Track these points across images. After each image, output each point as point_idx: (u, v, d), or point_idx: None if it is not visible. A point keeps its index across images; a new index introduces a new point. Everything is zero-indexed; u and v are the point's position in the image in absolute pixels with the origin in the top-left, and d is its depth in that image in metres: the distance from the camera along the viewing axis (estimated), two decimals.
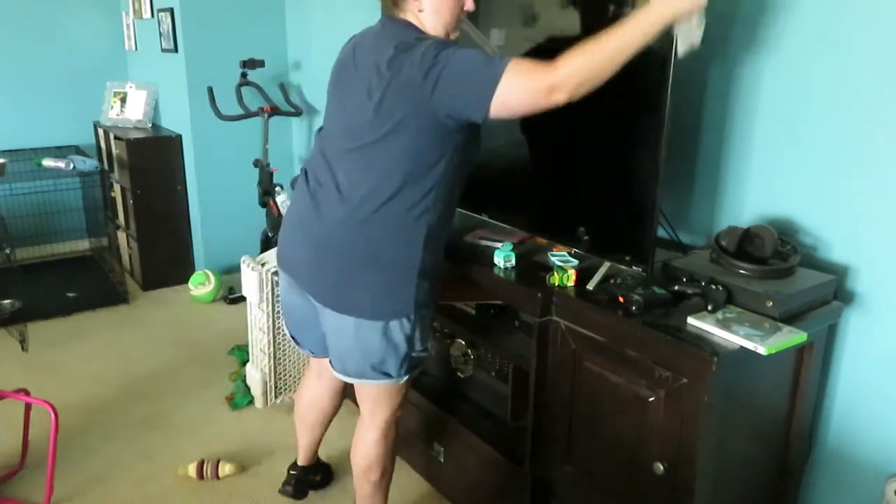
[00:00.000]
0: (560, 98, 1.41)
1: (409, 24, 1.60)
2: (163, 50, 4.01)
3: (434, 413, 2.23)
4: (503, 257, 1.87)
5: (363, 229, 1.61)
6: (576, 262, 1.83)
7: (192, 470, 2.35)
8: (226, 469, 2.35)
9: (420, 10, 1.60)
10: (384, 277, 1.64)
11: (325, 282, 1.69)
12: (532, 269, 1.87)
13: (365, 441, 1.87)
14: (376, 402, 1.82)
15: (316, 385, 2.11)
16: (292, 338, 2.02)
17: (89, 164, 3.81)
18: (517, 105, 1.45)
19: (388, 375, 1.74)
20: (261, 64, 3.64)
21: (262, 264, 2.71)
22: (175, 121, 4.12)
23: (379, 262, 1.63)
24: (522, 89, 1.42)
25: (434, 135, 1.54)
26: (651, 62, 1.59)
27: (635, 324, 1.54)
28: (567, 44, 1.43)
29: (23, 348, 3.32)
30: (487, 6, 2.06)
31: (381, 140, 1.55)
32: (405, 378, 1.77)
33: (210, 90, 3.57)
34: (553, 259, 1.85)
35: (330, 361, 1.83)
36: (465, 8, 1.64)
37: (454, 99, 1.46)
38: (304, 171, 1.77)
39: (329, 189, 1.66)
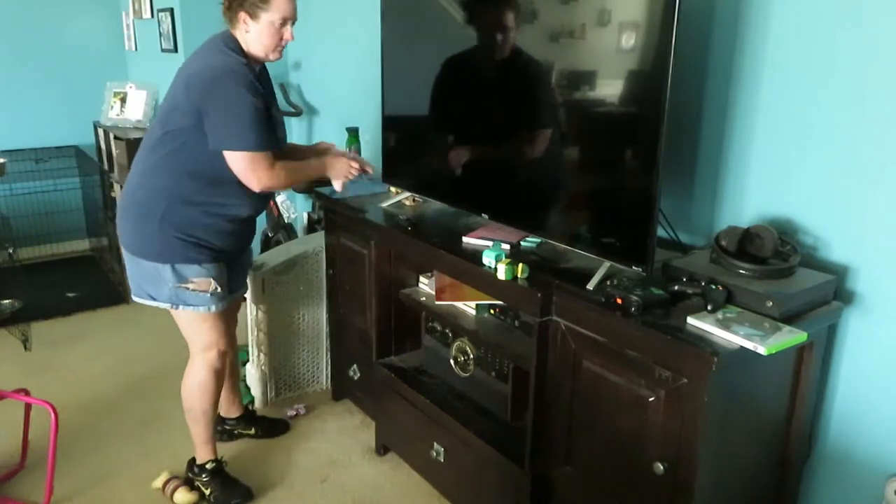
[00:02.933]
0: (257, 190, 2.07)
1: (229, 43, 2.05)
2: (163, 50, 4.01)
3: (434, 413, 2.23)
4: (494, 257, 1.87)
5: None
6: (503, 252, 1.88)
7: (160, 482, 2.33)
8: (182, 497, 2.28)
9: (247, 31, 2.04)
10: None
11: None
12: (534, 268, 1.87)
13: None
14: (186, 333, 2.25)
15: None
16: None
17: None
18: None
19: (166, 301, 2.14)
20: None
21: (262, 264, 2.71)
22: None
23: None
24: (246, 171, 2.02)
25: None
26: (651, 62, 1.59)
27: (635, 324, 1.54)
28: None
29: (25, 348, 3.32)
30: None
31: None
32: (185, 309, 2.14)
33: None
34: (489, 253, 1.88)
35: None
36: (286, 38, 2.07)
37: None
38: None
39: None
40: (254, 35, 2.03)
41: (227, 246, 2.17)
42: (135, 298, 2.18)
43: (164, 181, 2.06)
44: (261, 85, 2.07)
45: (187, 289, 2.10)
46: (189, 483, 2.32)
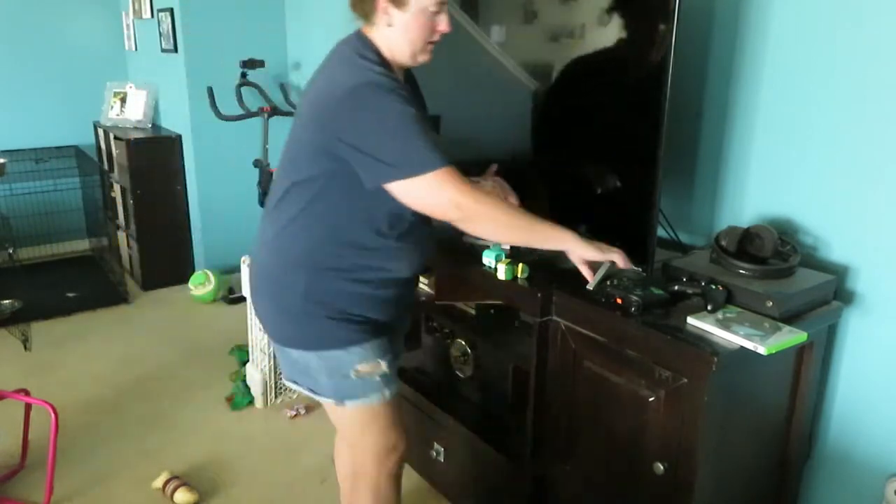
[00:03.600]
0: (455, 220, 1.47)
1: (366, 47, 1.51)
2: (163, 50, 4.01)
3: (434, 413, 2.23)
4: (494, 257, 1.87)
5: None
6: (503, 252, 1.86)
7: (160, 482, 2.33)
8: (183, 497, 2.27)
9: (389, 26, 1.49)
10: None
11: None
12: (534, 268, 1.87)
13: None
14: (346, 434, 1.75)
15: (340, 442, 1.93)
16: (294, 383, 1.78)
17: None
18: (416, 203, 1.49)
19: (324, 395, 1.64)
20: (261, 64, 3.64)
21: None
22: (175, 121, 4.12)
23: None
24: (430, 195, 1.45)
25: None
26: (650, 61, 1.59)
27: (635, 324, 1.54)
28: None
29: (25, 348, 3.32)
30: (487, 2, 2.06)
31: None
32: (356, 402, 1.63)
33: (210, 90, 3.57)
34: (489, 253, 1.87)
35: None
36: (440, 29, 1.51)
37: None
38: None
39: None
40: (399, 30, 1.49)
41: (389, 316, 1.64)
42: (288, 384, 1.72)
43: (301, 247, 1.56)
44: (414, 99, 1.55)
45: (350, 377, 1.59)
46: None
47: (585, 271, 1.59)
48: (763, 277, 1.60)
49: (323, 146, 1.47)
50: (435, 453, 2.24)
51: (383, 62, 1.50)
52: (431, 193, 1.43)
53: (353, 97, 1.43)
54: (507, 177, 2.08)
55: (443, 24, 1.51)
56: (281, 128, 3.94)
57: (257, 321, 1.85)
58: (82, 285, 4.09)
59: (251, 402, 2.88)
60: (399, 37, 1.50)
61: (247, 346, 2.94)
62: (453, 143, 2.26)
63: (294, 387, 1.69)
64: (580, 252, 1.55)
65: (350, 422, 1.67)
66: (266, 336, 1.79)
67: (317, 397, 1.65)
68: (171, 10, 3.77)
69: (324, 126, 1.46)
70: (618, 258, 1.56)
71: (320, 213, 1.53)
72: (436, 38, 1.53)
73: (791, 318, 1.51)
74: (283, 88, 3.89)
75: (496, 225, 1.49)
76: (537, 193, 1.99)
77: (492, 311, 2.17)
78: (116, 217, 4.39)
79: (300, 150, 1.54)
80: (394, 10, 1.47)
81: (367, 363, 1.58)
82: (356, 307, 1.57)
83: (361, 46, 1.51)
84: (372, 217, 1.52)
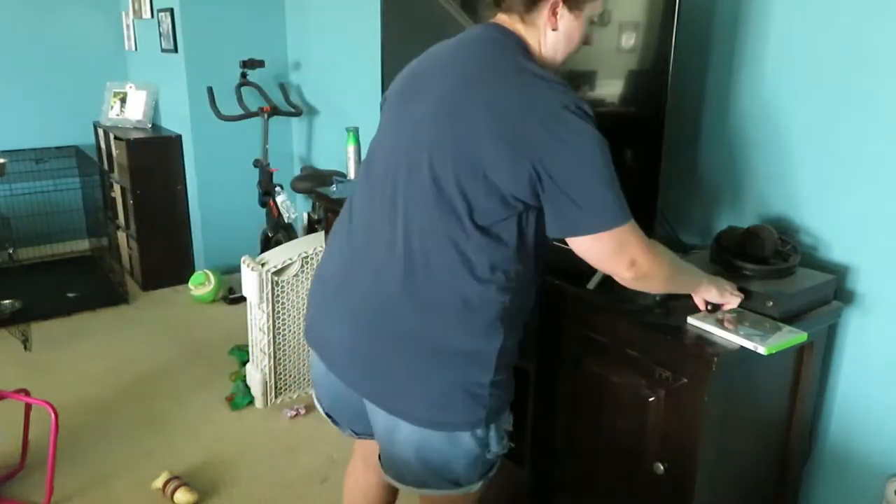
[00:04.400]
0: (627, 279, 1.29)
1: (521, 48, 1.30)
2: (163, 50, 4.01)
3: None
4: None
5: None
6: None
7: (160, 482, 2.33)
8: (183, 497, 2.26)
9: (554, 29, 1.30)
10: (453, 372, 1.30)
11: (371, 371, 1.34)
12: None
13: None
14: None
15: (363, 474, 1.69)
16: (327, 416, 1.58)
17: None
18: (594, 256, 1.27)
19: (456, 484, 1.38)
20: (261, 64, 3.64)
21: (262, 264, 2.71)
22: (175, 121, 4.12)
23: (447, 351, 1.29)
24: (614, 254, 1.26)
25: None
26: (651, 61, 1.59)
27: (635, 324, 1.54)
28: None
29: (25, 348, 3.32)
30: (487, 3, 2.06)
31: None
32: (479, 484, 1.42)
33: (210, 90, 3.57)
34: None
35: (380, 459, 1.47)
36: (590, 42, 1.39)
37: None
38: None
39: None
40: (563, 35, 1.31)
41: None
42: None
43: (492, 298, 1.28)
44: None
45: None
46: None
47: (700, 304, 1.49)
48: (763, 277, 1.60)
49: (526, 173, 1.20)
50: None
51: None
52: (611, 250, 1.24)
53: (564, 122, 1.19)
54: None
55: (592, 39, 1.40)
56: (281, 128, 3.96)
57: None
58: (82, 285, 4.09)
59: (251, 402, 2.88)
60: (559, 44, 1.32)
61: (247, 346, 2.94)
62: None
63: (417, 491, 1.40)
64: (704, 294, 1.47)
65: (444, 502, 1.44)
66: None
67: (441, 493, 1.39)
68: (171, 10, 3.77)
69: (524, 149, 1.19)
70: (735, 302, 1.49)
71: (502, 255, 1.28)
72: (578, 50, 1.38)
73: (791, 318, 1.51)
74: (283, 88, 3.89)
75: (662, 284, 1.37)
76: None
77: None
78: (116, 217, 4.39)
79: (487, 178, 1.21)
80: (567, 15, 1.29)
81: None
82: (510, 357, 1.39)
83: (521, 48, 1.30)
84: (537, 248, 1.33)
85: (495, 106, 1.21)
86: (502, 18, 1.33)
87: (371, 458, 1.58)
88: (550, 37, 1.31)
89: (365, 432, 1.50)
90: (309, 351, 1.51)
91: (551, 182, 1.18)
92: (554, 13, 1.29)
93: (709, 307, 1.50)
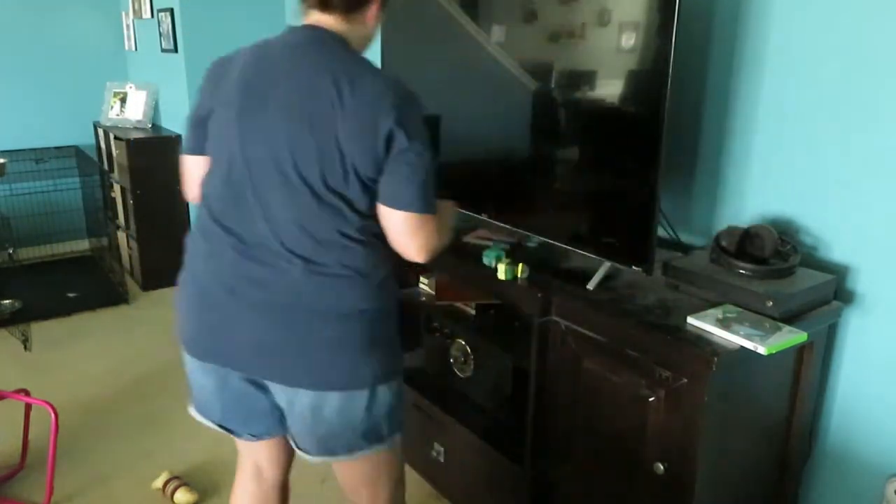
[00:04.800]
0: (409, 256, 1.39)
1: (344, 45, 1.37)
2: (163, 50, 4.01)
3: (434, 413, 2.23)
4: (494, 257, 1.87)
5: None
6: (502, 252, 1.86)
7: (160, 482, 2.33)
8: (183, 497, 2.26)
9: (374, 25, 1.42)
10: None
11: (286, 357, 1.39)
12: (534, 268, 1.87)
13: None
14: (376, 480, 1.58)
15: (257, 488, 1.71)
16: (220, 427, 1.58)
17: None
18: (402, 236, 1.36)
19: (381, 439, 1.47)
20: None
21: None
22: (175, 121, 4.12)
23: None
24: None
25: None
26: (651, 61, 1.59)
27: (635, 324, 1.54)
28: None
29: (25, 348, 3.32)
30: (487, 3, 2.06)
31: None
32: (398, 435, 1.52)
33: None
34: (489, 253, 1.87)
35: (296, 446, 1.52)
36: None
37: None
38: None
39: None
40: (373, 29, 1.43)
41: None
42: (318, 460, 1.52)
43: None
44: None
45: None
46: None
47: None
48: (763, 277, 1.60)
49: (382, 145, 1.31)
50: (435, 453, 2.24)
51: None
52: (414, 229, 1.34)
53: (410, 100, 1.33)
54: (506, 177, 2.08)
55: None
56: None
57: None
58: (82, 285, 4.09)
59: None
60: (370, 38, 1.44)
61: None
62: (453, 142, 2.26)
63: (320, 460, 1.50)
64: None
65: (375, 466, 1.56)
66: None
67: (370, 452, 1.47)
68: (171, 10, 3.77)
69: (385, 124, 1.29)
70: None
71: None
72: None
73: (791, 318, 1.52)
74: None
75: (441, 245, 1.44)
76: (537, 193, 1.99)
77: (492, 311, 2.17)
78: (116, 217, 4.39)
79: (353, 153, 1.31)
80: (378, 13, 1.41)
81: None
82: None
83: (345, 46, 1.37)
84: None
85: (343, 104, 1.28)
86: (320, 19, 1.39)
87: (271, 462, 1.67)
88: (369, 30, 1.42)
89: (266, 432, 1.56)
90: (187, 367, 1.52)
91: (396, 157, 1.30)
92: (380, 8, 1.40)
93: None
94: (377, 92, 1.29)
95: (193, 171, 1.50)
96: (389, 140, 1.28)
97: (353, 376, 1.39)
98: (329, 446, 1.47)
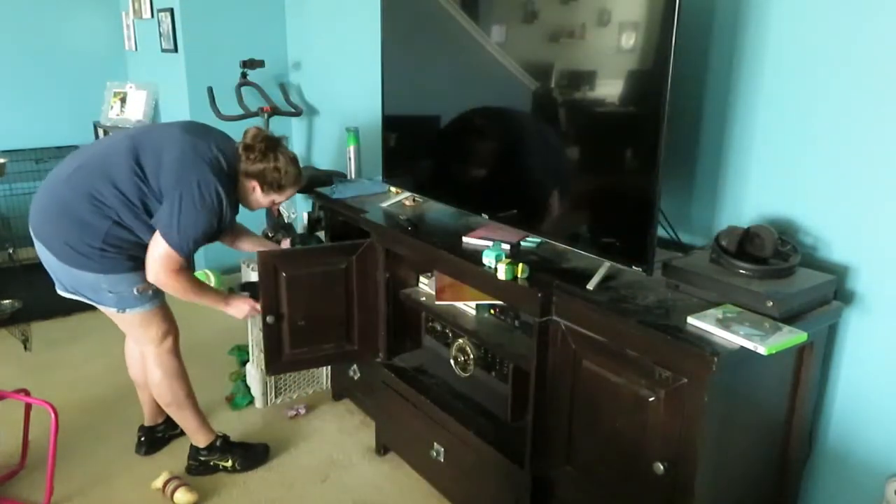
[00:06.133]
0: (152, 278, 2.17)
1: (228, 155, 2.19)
2: (163, 50, 4.01)
3: (434, 413, 2.23)
4: (494, 257, 1.87)
5: None
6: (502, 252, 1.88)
7: (160, 482, 2.33)
8: (183, 497, 2.27)
9: (251, 193, 2.26)
10: None
11: None
12: (534, 268, 1.87)
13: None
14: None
15: (134, 345, 2.45)
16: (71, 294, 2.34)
17: None
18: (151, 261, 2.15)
19: (123, 310, 2.27)
20: (261, 64, 3.64)
21: None
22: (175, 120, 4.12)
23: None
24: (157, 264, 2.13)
25: None
26: (651, 62, 1.59)
27: (635, 324, 1.54)
28: None
29: (26, 348, 3.32)
30: (487, 3, 2.06)
31: None
32: (137, 309, 2.26)
33: (210, 90, 3.57)
34: (489, 253, 1.88)
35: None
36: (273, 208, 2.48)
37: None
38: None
39: None
40: (253, 200, 2.29)
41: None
42: (66, 295, 2.29)
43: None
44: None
45: (133, 293, 2.22)
46: (208, 466, 2.42)
47: (239, 315, 2.43)
48: (763, 277, 1.60)
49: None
50: (435, 453, 2.24)
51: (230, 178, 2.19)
52: (161, 260, 2.12)
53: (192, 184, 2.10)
54: (506, 177, 2.08)
55: (275, 209, 2.31)
56: (281, 128, 3.95)
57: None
58: None
59: (251, 401, 2.88)
60: (250, 202, 2.32)
61: (247, 346, 2.94)
62: (453, 142, 2.26)
63: (70, 296, 2.28)
64: (232, 311, 2.40)
65: (133, 324, 2.29)
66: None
67: (100, 307, 2.26)
68: (171, 10, 3.77)
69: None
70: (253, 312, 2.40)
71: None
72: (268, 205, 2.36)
73: (791, 318, 1.52)
74: (283, 88, 3.89)
75: (180, 295, 2.23)
76: (537, 193, 1.99)
77: (492, 311, 2.17)
78: None
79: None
80: (258, 192, 2.26)
81: (144, 283, 2.19)
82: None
83: (229, 156, 2.21)
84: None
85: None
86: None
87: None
88: (244, 194, 2.30)
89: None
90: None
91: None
92: (254, 188, 2.26)
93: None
94: None
95: None
96: None
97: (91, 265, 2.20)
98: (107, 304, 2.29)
